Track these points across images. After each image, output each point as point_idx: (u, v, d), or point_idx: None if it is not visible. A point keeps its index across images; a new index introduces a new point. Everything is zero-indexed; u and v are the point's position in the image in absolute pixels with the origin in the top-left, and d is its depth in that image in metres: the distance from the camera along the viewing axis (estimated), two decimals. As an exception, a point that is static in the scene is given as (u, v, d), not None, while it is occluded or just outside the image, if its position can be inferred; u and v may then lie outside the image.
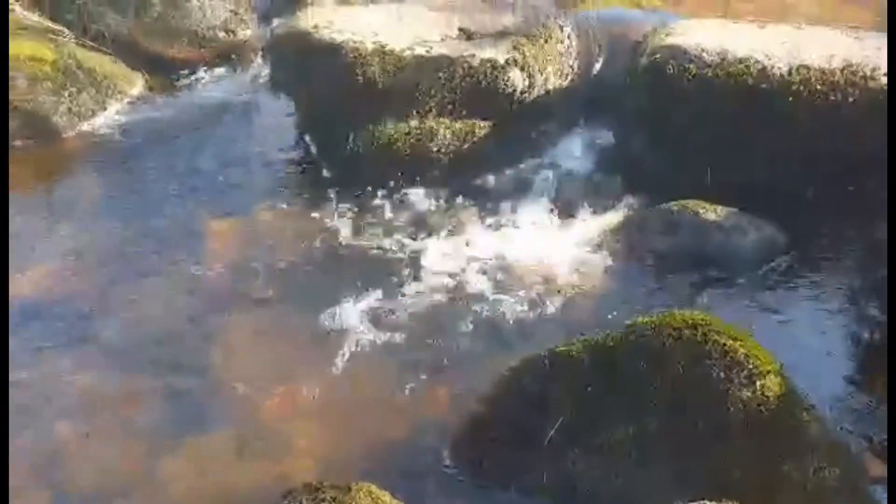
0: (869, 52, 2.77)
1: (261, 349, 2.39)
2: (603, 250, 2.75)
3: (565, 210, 2.91)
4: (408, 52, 3.09)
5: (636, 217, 2.80)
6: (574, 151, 3.13)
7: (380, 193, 3.01)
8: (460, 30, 3.40)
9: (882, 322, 2.35)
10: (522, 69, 3.22)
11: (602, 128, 3.16)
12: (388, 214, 2.96)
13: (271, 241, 2.85)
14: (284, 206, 3.02)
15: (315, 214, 2.96)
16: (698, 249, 2.61)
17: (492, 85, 3.15)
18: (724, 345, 1.55)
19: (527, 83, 3.24)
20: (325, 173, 3.13)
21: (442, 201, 3.01)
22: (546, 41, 3.34)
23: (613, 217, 2.85)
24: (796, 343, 2.28)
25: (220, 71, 3.95)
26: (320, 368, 2.27)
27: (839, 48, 2.79)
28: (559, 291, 2.57)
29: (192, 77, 3.90)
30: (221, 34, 4.12)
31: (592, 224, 2.85)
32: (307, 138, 3.26)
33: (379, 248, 2.79)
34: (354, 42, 3.06)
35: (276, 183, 3.18)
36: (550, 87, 3.30)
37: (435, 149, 3.10)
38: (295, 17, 3.35)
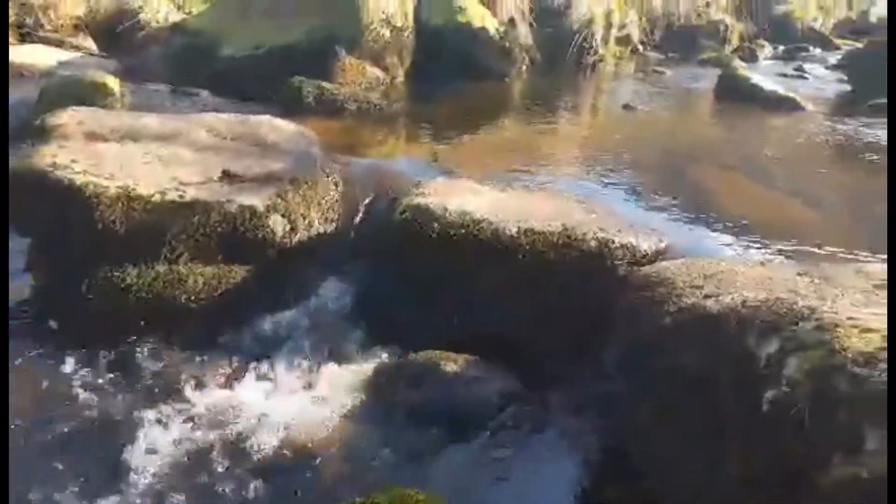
0: (585, 216, 3.16)
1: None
2: (356, 404, 2.73)
3: (319, 362, 2.88)
4: (157, 197, 2.98)
5: (387, 369, 2.84)
6: (332, 300, 3.14)
7: (117, 347, 2.78)
8: (224, 173, 3.38)
9: (613, 466, 2.54)
10: (284, 215, 3.25)
11: (361, 276, 3.23)
12: (126, 371, 2.72)
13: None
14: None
15: (39, 372, 2.64)
16: (442, 402, 2.69)
17: (250, 231, 3.12)
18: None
19: (288, 228, 3.25)
20: (53, 324, 2.84)
21: (188, 354, 2.84)
22: (312, 187, 3.42)
23: (367, 368, 2.86)
24: (526, 498, 2.38)
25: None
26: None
27: (561, 213, 3.14)
28: (310, 455, 2.48)
29: None
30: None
31: (346, 376, 2.84)
32: (38, 284, 2.96)
33: (108, 413, 2.54)
34: (96, 185, 2.90)
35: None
36: (314, 232, 3.35)
37: (184, 297, 2.96)
38: (34, 150, 3.12)
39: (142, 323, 2.85)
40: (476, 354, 2.85)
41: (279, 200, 3.25)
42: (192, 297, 2.97)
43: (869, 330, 1.79)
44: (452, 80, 6.01)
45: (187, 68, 5.60)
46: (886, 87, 5.86)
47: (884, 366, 1.62)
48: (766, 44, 9.69)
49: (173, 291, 2.92)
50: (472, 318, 2.96)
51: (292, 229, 3.26)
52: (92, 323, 2.81)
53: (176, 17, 6.11)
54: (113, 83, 4.56)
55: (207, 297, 3.00)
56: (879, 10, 11.91)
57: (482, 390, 2.73)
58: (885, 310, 2.02)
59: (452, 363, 2.76)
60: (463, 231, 2.98)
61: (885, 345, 1.71)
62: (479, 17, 6.56)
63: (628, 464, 2.40)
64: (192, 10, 6.44)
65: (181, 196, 3.05)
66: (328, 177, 3.56)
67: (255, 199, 3.19)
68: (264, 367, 2.83)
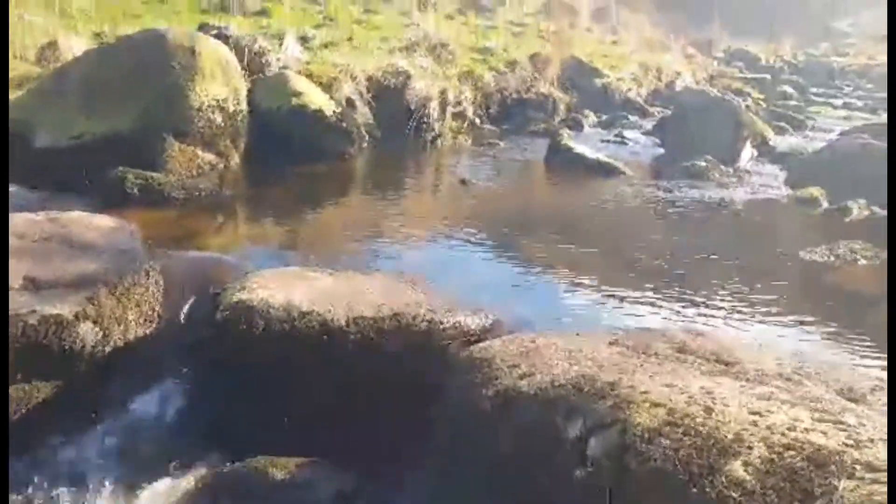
0: (416, 297, 3.19)
1: None
2: (176, 525, 2.53)
3: (133, 483, 2.64)
4: (-64, 318, 2.68)
5: (208, 481, 2.65)
6: (150, 412, 2.93)
7: None
8: (26, 280, 3.11)
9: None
10: (95, 322, 3.03)
11: (183, 383, 3.05)
12: None
13: None
14: None
15: None
16: (273, 512, 2.55)
17: (55, 343, 2.87)
18: None
19: (100, 336, 3.03)
20: None
21: (-23, 492, 2.51)
22: (129, 288, 3.23)
23: (186, 483, 2.66)
24: None
25: None
26: None
27: (392, 296, 3.15)
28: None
29: None
30: None
31: (164, 495, 2.62)
32: None
33: None
34: None
35: None
36: (131, 338, 3.15)
37: (-27, 426, 2.64)
38: None
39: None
40: (310, 455, 2.74)
41: (90, 306, 3.04)
42: (-16, 427, 2.65)
43: (657, 405, 1.91)
44: (291, 162, 5.99)
45: (-5, 162, 5.16)
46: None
47: (666, 441, 1.73)
48: (590, 113, 10.53)
49: (-42, 422, 2.60)
50: (305, 417, 2.86)
51: (105, 336, 3.05)
52: None
53: (-19, 106, 5.65)
54: None
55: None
56: (684, 80, 13.40)
57: (316, 494, 2.62)
58: (678, 379, 2.17)
59: (281, 468, 2.63)
60: (289, 326, 2.90)
61: (670, 419, 1.83)
62: (316, 99, 6.63)
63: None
64: (-1, 99, 5.99)
65: (-34, 313, 2.76)
66: (149, 275, 3.38)
67: (62, 307, 2.95)
68: (70, 498, 2.56)
